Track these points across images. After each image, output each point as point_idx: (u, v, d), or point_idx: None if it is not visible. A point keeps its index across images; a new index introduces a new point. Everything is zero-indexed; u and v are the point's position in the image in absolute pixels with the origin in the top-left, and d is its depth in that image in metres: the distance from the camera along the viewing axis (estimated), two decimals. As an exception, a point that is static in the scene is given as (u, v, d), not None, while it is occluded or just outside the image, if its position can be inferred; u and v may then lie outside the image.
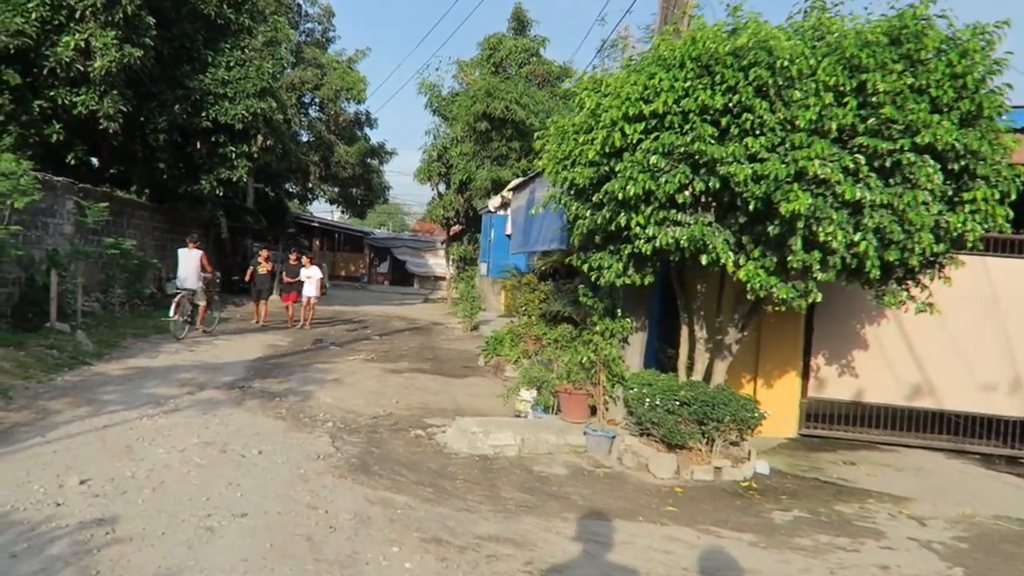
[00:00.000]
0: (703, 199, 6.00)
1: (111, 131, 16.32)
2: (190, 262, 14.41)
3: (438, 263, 47.71)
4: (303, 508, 5.03)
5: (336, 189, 38.77)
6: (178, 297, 13.60)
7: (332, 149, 35.08)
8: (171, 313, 13.14)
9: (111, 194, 17.83)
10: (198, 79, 18.38)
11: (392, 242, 50.71)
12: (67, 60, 15.45)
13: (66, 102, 16.08)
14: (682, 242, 5.91)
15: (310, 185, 37.61)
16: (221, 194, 20.31)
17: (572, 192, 7.03)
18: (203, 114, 18.56)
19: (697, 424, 6.45)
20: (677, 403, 6.45)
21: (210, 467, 5.77)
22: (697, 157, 5.73)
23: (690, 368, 7.21)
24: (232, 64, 19.02)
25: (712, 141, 5.69)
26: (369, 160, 38.04)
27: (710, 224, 5.99)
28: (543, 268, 8.67)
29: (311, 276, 17.39)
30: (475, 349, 14.24)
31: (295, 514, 4.90)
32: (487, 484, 5.92)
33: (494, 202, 19.53)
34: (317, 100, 34.66)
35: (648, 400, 6.59)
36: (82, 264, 15.94)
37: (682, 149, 5.78)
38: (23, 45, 15.09)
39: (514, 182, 13.72)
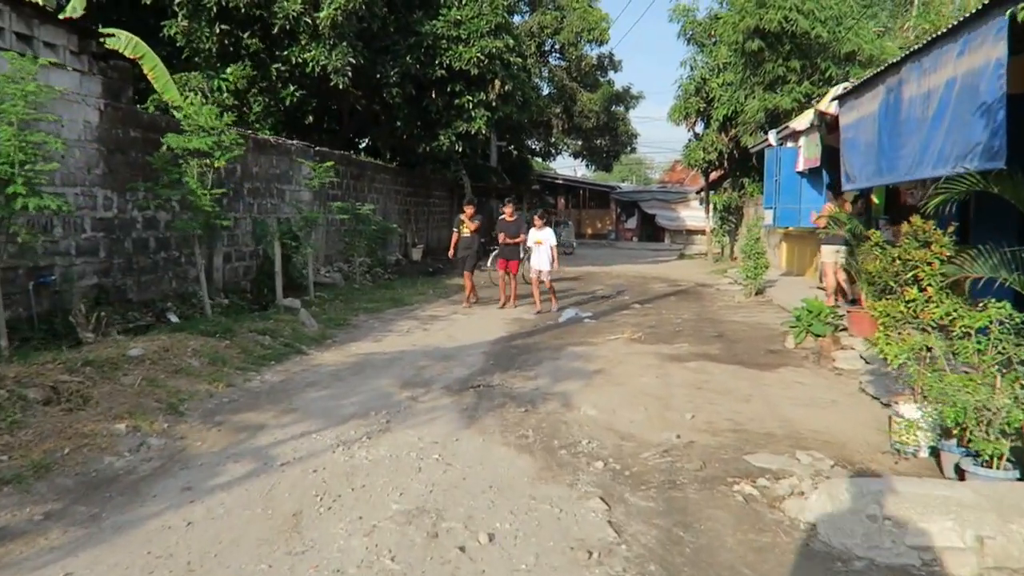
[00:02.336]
0: None
1: (342, 86, 15.01)
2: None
3: (691, 215, 43.64)
4: None
5: (580, 142, 36.37)
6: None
7: (574, 98, 32.58)
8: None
9: (349, 157, 16.79)
10: (430, 24, 16.60)
11: (639, 195, 47.47)
12: (295, 14, 14.27)
13: (298, 60, 15.05)
14: None
15: (552, 140, 35.57)
16: (460, 150, 18.63)
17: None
18: (436, 61, 16.82)
19: None
20: None
21: (408, 572, 3.34)
22: None
23: None
24: (464, 2, 16.99)
25: None
26: (614, 107, 35.06)
27: None
28: (938, 205, 5.15)
29: (542, 241, 12.31)
30: (773, 322, 10.86)
31: None
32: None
33: (778, 134, 15.61)
34: (557, 46, 32.25)
35: None
36: (317, 232, 14.97)
37: None
38: (254, 3, 14.13)
39: (836, 91, 9.96)
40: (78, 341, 6.78)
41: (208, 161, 8.28)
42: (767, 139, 15.98)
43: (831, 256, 10.95)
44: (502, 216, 13.00)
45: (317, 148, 15.26)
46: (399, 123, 18.24)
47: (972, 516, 3.45)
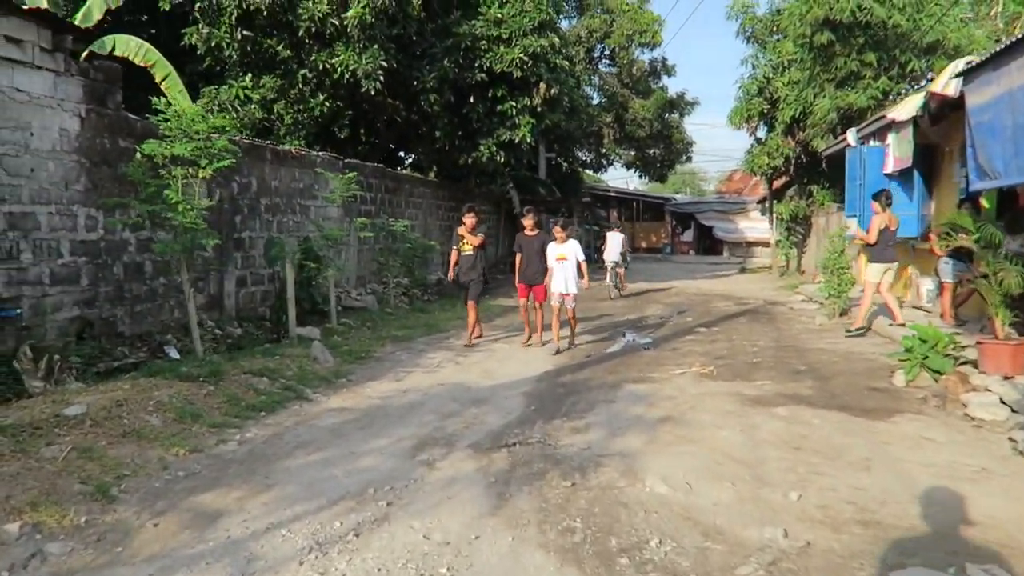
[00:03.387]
0: None
1: (373, 92, 13.83)
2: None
3: (751, 226, 41.48)
4: None
5: (632, 152, 34.72)
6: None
7: (626, 106, 31.01)
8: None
9: (383, 169, 15.59)
10: (468, 24, 15.34)
11: (695, 207, 45.48)
12: (321, 15, 13.16)
13: (326, 66, 13.93)
14: None
15: (604, 150, 34.00)
16: (503, 160, 17.25)
17: None
18: (476, 64, 15.54)
19: None
20: None
21: None
22: None
23: None
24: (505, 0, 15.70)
25: None
26: (668, 115, 33.31)
27: None
28: None
29: (565, 256, 9.67)
30: (869, 351, 9.13)
31: None
32: None
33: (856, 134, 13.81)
34: (607, 51, 30.79)
35: None
36: (347, 252, 13.77)
37: None
38: (274, 4, 13.07)
39: (956, 65, 8.25)
40: (24, 391, 5.59)
41: (193, 171, 7.03)
42: (844, 139, 14.19)
43: (876, 275, 9.89)
44: (522, 228, 10.32)
45: (347, 160, 14.08)
46: (438, 133, 17.01)
47: None
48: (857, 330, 10.22)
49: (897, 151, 11.25)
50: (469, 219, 10.27)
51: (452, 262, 10.32)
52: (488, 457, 5.21)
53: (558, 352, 9.53)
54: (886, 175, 12.03)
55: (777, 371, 8.16)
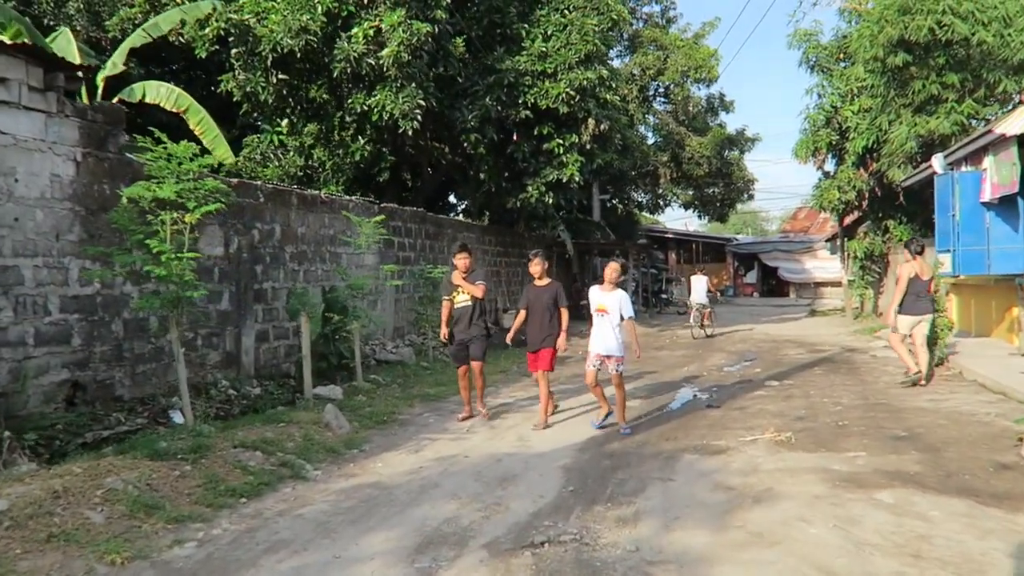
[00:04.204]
0: None
1: (411, 132, 13.12)
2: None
3: (819, 266, 39.43)
4: None
5: (690, 191, 33.44)
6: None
7: (682, 144, 29.86)
8: None
9: (423, 214, 14.82)
10: (512, 60, 14.61)
11: (759, 247, 43.67)
12: (356, 55, 12.58)
13: (363, 108, 13.32)
14: None
15: (660, 190, 32.83)
16: (552, 201, 16.31)
17: None
18: (520, 101, 14.75)
19: None
20: None
21: None
22: None
23: None
24: (551, 32, 14.94)
25: None
26: (727, 152, 32.00)
27: None
28: None
29: (606, 309, 7.47)
30: (982, 411, 7.66)
31: None
32: None
33: (943, 160, 12.38)
34: (661, 89, 29.85)
35: None
36: (383, 302, 12.93)
37: None
38: (308, 46, 12.57)
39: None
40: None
41: (180, 216, 6.24)
42: (929, 167, 12.77)
43: (905, 328, 9.30)
44: (531, 276, 8.07)
45: (384, 205, 13.35)
46: (483, 175, 16.24)
47: None
48: (914, 376, 9.30)
49: (997, 176, 9.86)
50: (461, 260, 7.98)
51: (444, 316, 8.15)
52: (507, 563, 4.09)
53: (604, 426, 7.61)
54: (983, 204, 10.59)
55: (871, 438, 6.80)
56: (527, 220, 22.61)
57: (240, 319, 9.24)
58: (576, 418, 8.19)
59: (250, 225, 9.46)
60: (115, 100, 11.34)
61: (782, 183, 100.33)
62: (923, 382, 9.23)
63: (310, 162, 15.60)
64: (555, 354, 7.73)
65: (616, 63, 27.14)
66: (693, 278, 19.48)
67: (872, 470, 5.75)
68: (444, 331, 8.17)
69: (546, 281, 7.95)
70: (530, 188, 15.79)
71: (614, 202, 32.72)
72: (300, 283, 10.49)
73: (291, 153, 15.39)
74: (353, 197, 12.91)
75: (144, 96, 10.69)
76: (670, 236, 42.97)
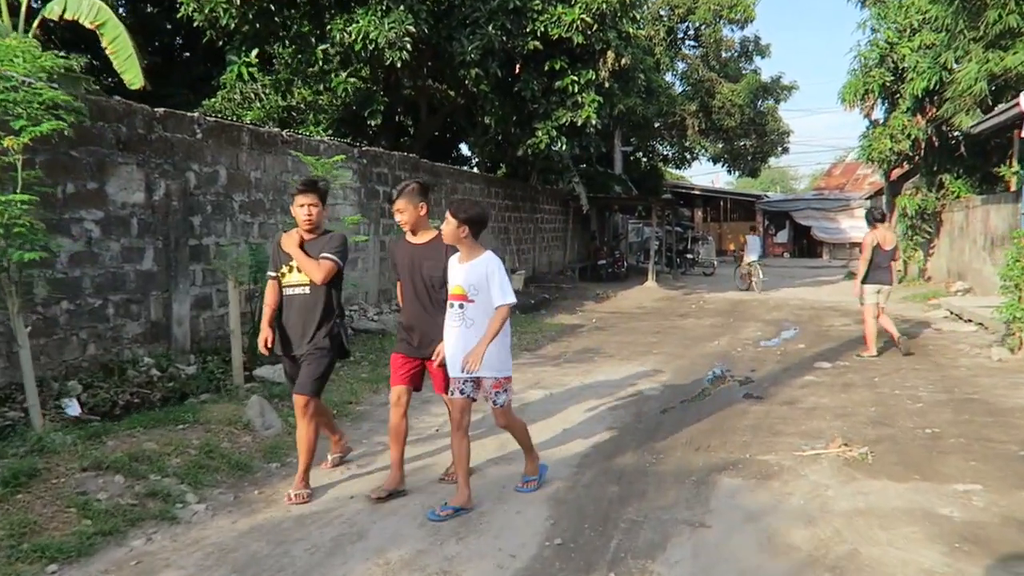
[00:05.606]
0: None
1: (399, 64, 11.21)
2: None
3: (855, 225, 36.95)
4: None
5: (720, 144, 31.13)
6: None
7: (713, 92, 27.46)
8: None
9: (416, 160, 12.96)
10: (519, -18, 12.53)
11: (791, 204, 41.24)
12: (332, -31, 10.61)
13: (343, 36, 11.41)
14: None
15: (687, 143, 30.51)
16: (564, 147, 14.32)
17: None
18: (528, 30, 12.71)
19: None
20: None
21: None
22: None
23: None
24: (565, -52, 12.82)
25: None
26: (760, 102, 29.54)
27: None
28: None
29: (463, 290, 4.18)
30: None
31: None
32: None
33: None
34: (691, 29, 27.39)
35: None
36: (365, 260, 11.19)
37: None
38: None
39: None
40: None
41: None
42: (1016, 104, 10.65)
43: (870, 297, 8.94)
44: (402, 236, 4.67)
45: (367, 149, 11.50)
46: (487, 118, 14.27)
47: None
48: (870, 357, 8.88)
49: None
50: (304, 207, 4.45)
51: (266, 309, 4.62)
52: None
53: (446, 477, 4.68)
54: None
55: (979, 457, 4.96)
56: (541, 172, 20.66)
57: (171, 282, 7.53)
58: (580, 413, 6.42)
59: (182, 167, 7.69)
60: (37, 18, 9.58)
61: (813, 137, 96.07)
62: (873, 354, 8.88)
63: (291, 101, 13.76)
64: (444, 375, 4.42)
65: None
66: (748, 237, 19.91)
67: (1000, 519, 3.93)
68: (265, 334, 4.52)
69: (427, 236, 4.46)
70: (540, 132, 13.80)
71: (637, 155, 30.52)
72: (255, 238, 8.74)
73: (268, 91, 13.55)
74: (323, 139, 11.04)
75: (65, 11, 8.90)
76: (696, 192, 40.66)
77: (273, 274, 4.63)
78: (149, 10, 18.36)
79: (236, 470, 4.70)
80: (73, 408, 6.05)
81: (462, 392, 4.21)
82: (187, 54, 19.62)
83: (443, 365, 4.35)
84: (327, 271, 4.39)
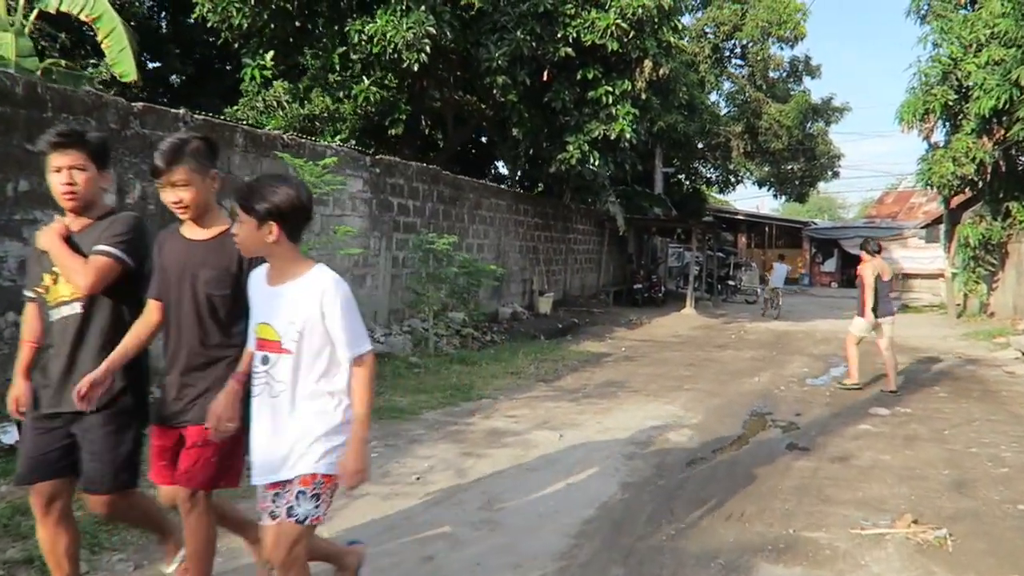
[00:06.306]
0: None
1: (416, 67, 10.49)
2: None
3: (908, 256, 35.13)
4: None
5: (766, 167, 29.90)
6: None
7: (759, 112, 26.30)
8: None
9: (436, 172, 12.18)
10: (552, -15, 11.75)
11: (840, 232, 39.58)
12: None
13: (360, 36, 10.74)
14: None
15: (732, 165, 29.31)
16: (596, 164, 13.42)
17: None
18: (559, 36, 11.91)
19: None
20: None
21: None
22: None
23: None
24: (601, -49, 12.01)
25: None
26: (810, 123, 28.26)
27: None
28: None
29: (278, 338, 2.46)
30: None
31: None
32: None
33: None
34: (738, 47, 26.34)
35: None
36: (375, 277, 10.39)
37: None
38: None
39: None
40: None
41: None
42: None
43: (863, 329, 8.86)
44: (176, 227, 2.97)
45: (380, 157, 10.75)
46: (515, 130, 13.46)
47: None
48: (853, 386, 8.70)
49: None
50: (62, 176, 2.75)
51: (25, 349, 2.87)
52: None
53: None
54: None
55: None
56: (575, 191, 19.74)
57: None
58: (588, 460, 5.44)
59: (163, 167, 6.99)
60: (35, 11, 9.08)
61: (863, 163, 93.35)
62: (893, 389, 8.39)
63: (311, 110, 13.14)
64: (222, 447, 2.68)
65: (687, 19, 23.80)
66: (776, 264, 20.14)
67: None
68: (18, 384, 2.82)
69: (214, 230, 2.89)
70: (571, 146, 12.93)
71: (679, 177, 29.43)
72: (246, 249, 8.00)
73: (288, 98, 12.95)
74: (333, 145, 10.31)
75: (61, 3, 8.36)
76: (740, 217, 39.33)
77: (31, 294, 2.89)
78: (187, 22, 18.13)
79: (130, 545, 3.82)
80: (10, 435, 5.33)
81: (273, 516, 2.50)
82: (218, 65, 19.34)
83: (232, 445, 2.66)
84: (99, 272, 2.71)
